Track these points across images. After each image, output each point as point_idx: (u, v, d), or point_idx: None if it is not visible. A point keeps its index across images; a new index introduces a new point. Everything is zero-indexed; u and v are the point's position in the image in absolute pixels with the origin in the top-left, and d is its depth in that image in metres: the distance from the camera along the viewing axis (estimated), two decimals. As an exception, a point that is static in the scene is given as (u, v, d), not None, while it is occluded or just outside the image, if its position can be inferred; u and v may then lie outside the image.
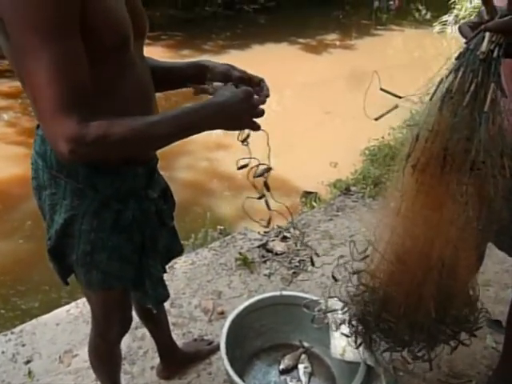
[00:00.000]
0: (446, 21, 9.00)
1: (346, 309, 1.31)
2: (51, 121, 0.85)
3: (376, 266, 1.16)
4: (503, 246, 1.44)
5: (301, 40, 9.01)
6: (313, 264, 2.16)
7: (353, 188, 3.22)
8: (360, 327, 1.29)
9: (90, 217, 1.08)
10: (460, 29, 1.00)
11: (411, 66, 6.97)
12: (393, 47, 9.51)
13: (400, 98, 1.02)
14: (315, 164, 4.05)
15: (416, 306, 1.11)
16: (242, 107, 0.97)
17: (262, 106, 1.01)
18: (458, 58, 0.94)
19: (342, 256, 1.32)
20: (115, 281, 1.17)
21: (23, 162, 4.21)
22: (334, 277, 1.33)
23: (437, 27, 9.15)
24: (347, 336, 1.35)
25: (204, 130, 0.95)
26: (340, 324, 1.35)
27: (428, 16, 11.20)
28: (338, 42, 9.32)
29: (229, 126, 1.00)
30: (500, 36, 0.90)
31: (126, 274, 1.18)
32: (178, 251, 1.40)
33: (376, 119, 1.07)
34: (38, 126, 1.09)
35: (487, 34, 0.91)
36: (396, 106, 1.14)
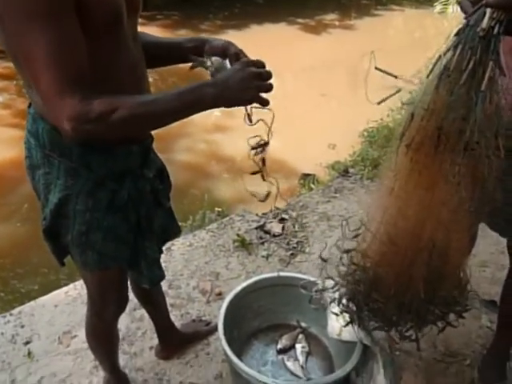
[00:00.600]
0: (447, 0, 8.87)
1: (336, 287, 1.31)
2: (54, 101, 0.86)
3: (367, 246, 1.16)
4: (496, 227, 1.44)
5: (299, 20, 8.89)
6: None
7: (351, 170, 3.21)
8: (350, 305, 1.29)
9: (85, 196, 1.07)
10: (461, 4, 0.98)
11: (412, 46, 6.89)
12: (393, 27, 9.40)
13: (395, 77, 1.00)
14: (314, 146, 4.04)
15: (405, 287, 1.11)
16: (248, 79, 0.91)
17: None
18: (457, 35, 0.92)
19: (333, 238, 1.32)
20: (111, 261, 1.17)
21: (18, 145, 4.15)
22: (322, 258, 1.33)
23: (437, 7, 9.03)
24: (336, 314, 1.35)
25: (209, 107, 0.92)
26: (330, 302, 1.35)
27: (429, -5, 11.05)
28: (337, 22, 9.20)
29: (234, 101, 0.93)
30: (501, 12, 0.88)
31: (122, 254, 1.18)
32: (174, 232, 1.40)
33: (378, 103, 1.06)
34: (29, 105, 1.08)
35: (488, 10, 0.88)
36: (399, 90, 1.13)
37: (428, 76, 0.94)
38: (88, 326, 1.41)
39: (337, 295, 1.31)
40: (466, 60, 0.89)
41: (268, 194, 1.17)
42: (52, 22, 0.82)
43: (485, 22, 0.88)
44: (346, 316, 1.35)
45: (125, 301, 1.36)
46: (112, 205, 1.10)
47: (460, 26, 0.92)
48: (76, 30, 0.87)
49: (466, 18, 0.92)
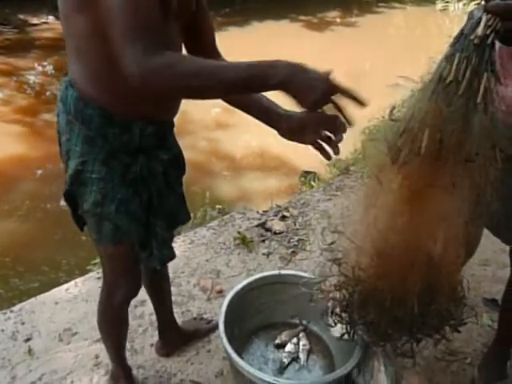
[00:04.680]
0: (449, -2, 8.86)
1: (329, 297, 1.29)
2: (126, 46, 0.87)
3: (357, 258, 1.14)
4: (498, 234, 1.45)
5: (301, 17, 8.88)
6: None
7: (352, 168, 3.20)
8: (344, 316, 1.26)
9: (100, 165, 1.13)
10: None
11: (413, 44, 6.88)
12: (394, 25, 9.37)
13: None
14: (314, 144, 4.03)
15: (400, 300, 1.09)
16: (318, 84, 0.89)
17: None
18: (452, 45, 0.89)
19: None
20: (124, 235, 1.21)
21: (19, 141, 4.19)
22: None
23: (439, 4, 9.02)
24: (331, 326, 1.33)
25: (272, 86, 0.90)
26: (322, 314, 1.34)
27: (430, -7, 11.02)
28: (339, 20, 9.18)
29: (295, 95, 0.90)
30: (497, 21, 0.85)
31: (134, 229, 1.21)
32: (184, 218, 1.43)
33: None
34: (65, 74, 1.15)
35: (484, 18, 0.85)
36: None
37: (421, 88, 0.91)
38: (99, 309, 1.44)
39: (329, 305, 1.29)
40: (462, 70, 0.86)
41: None
42: None
43: (480, 30, 0.85)
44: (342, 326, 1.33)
45: (137, 284, 1.38)
46: (124, 178, 1.16)
47: (454, 34, 0.90)
48: None
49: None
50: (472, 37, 0.86)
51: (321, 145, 1.10)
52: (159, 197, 1.25)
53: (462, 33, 0.88)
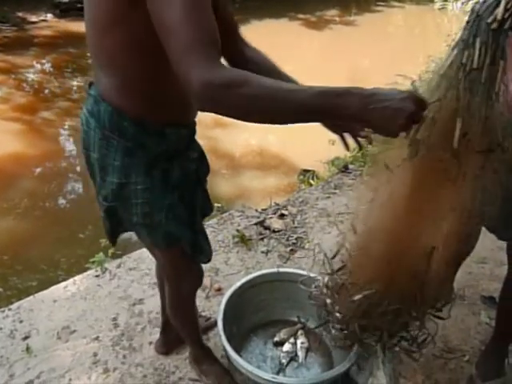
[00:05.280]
0: (448, -4, 8.86)
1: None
2: (187, 59, 0.81)
3: (357, 265, 1.12)
4: (494, 231, 1.45)
5: (300, 15, 8.87)
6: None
7: (351, 166, 3.20)
8: (348, 329, 1.23)
9: (143, 175, 1.12)
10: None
11: (411, 43, 6.88)
12: (393, 24, 9.37)
13: None
14: (313, 141, 4.02)
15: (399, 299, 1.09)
16: (403, 105, 0.79)
17: None
18: (467, 28, 0.84)
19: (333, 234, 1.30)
20: (176, 241, 1.23)
21: (18, 139, 4.18)
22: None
23: (438, 3, 9.02)
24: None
25: (342, 118, 0.86)
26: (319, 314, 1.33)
27: (429, -9, 11.02)
28: (337, 18, 9.18)
29: (377, 124, 0.82)
30: None
31: (184, 233, 1.23)
32: (210, 209, 1.46)
33: None
34: (90, 85, 1.13)
35: (504, 0, 0.80)
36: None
37: (441, 74, 0.86)
38: (170, 304, 1.48)
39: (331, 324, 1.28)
40: (482, 56, 0.82)
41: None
42: None
43: (500, 12, 0.79)
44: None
45: (199, 275, 1.42)
46: (166, 184, 1.16)
47: (468, 17, 0.85)
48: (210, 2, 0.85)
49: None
50: (490, 20, 0.81)
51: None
52: (195, 195, 1.28)
53: (477, 15, 0.83)
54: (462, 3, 9.05)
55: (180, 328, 1.58)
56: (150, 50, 0.94)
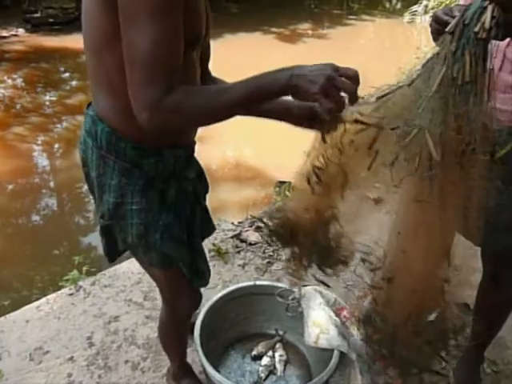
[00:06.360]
0: (416, 11, 9.13)
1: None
2: (139, 88, 0.88)
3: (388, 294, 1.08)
4: (470, 236, 1.46)
5: (274, 29, 8.97)
6: None
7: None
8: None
9: (139, 195, 1.12)
10: (436, 15, 0.93)
11: (382, 55, 7.04)
12: (364, 36, 9.57)
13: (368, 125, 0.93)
14: (288, 153, 4.05)
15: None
16: (325, 71, 0.85)
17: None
18: (453, 39, 0.82)
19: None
20: (173, 261, 1.21)
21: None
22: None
23: (407, 17, 9.26)
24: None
25: (276, 93, 0.91)
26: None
27: (398, 6, 11.33)
28: (310, 32, 9.32)
29: (302, 88, 0.86)
30: (500, 11, 0.80)
31: (181, 254, 1.21)
32: (211, 229, 1.45)
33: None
34: (88, 106, 1.13)
35: (489, 8, 0.79)
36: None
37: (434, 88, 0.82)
38: (162, 326, 1.46)
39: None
40: (473, 68, 0.80)
41: None
42: (163, 15, 0.86)
43: (487, 21, 0.78)
44: (325, 325, 1.32)
45: (197, 298, 1.40)
46: (162, 204, 1.15)
47: (451, 25, 0.83)
48: (180, 29, 0.90)
49: (446, 31, 0.84)
50: (476, 29, 0.80)
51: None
52: (193, 215, 1.26)
53: (463, 24, 0.82)
54: (430, 17, 9.31)
55: (168, 346, 1.54)
56: None
